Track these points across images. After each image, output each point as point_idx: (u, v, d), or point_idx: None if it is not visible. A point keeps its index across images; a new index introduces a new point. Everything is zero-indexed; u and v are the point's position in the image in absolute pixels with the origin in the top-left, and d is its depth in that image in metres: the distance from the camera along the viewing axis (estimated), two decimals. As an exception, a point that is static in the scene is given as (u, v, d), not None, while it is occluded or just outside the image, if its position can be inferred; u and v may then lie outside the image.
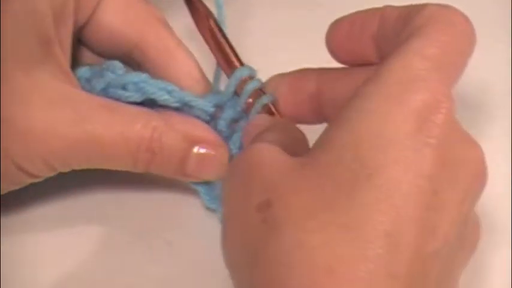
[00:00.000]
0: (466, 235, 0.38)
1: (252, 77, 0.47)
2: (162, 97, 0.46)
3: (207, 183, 0.47)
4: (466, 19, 0.41)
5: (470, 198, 0.38)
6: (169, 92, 0.46)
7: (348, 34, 0.44)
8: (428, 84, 0.37)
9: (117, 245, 0.49)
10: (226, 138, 0.47)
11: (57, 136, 0.43)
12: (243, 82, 0.47)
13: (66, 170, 0.45)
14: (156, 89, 0.46)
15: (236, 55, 0.48)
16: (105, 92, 0.46)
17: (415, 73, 0.37)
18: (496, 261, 0.47)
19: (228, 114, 0.47)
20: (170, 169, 0.46)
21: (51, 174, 0.45)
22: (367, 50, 0.43)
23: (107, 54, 0.49)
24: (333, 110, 0.44)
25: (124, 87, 0.46)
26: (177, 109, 0.47)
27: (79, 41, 0.49)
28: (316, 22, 0.51)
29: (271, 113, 0.47)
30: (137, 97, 0.46)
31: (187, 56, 0.49)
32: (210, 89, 0.48)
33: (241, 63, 0.48)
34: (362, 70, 0.43)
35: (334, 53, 0.45)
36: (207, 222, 0.49)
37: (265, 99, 0.47)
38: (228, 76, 0.48)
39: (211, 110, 0.47)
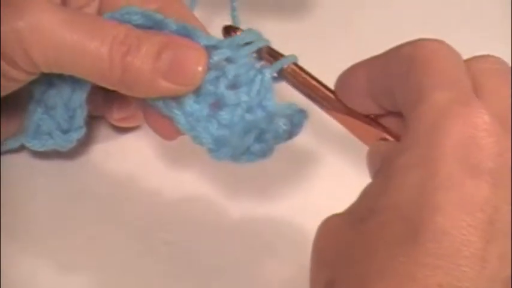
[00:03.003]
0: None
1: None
2: (160, 17, 0.46)
3: (183, 107, 0.45)
4: (434, 40, 0.39)
5: None
6: (167, 17, 0.46)
7: (348, 89, 0.43)
8: (458, 113, 0.35)
9: (116, 245, 0.49)
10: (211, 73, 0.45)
11: (29, 23, 0.43)
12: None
13: (44, 65, 0.44)
14: (154, 12, 0.46)
15: None
16: None
17: (440, 111, 0.36)
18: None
19: (224, 51, 0.45)
20: (145, 68, 0.44)
21: (32, 67, 0.44)
22: (365, 104, 0.42)
23: None
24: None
25: (126, 14, 0.46)
26: None
27: None
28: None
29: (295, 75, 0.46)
30: (136, 18, 0.46)
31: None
32: None
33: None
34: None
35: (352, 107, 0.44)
36: (207, 223, 0.50)
37: (285, 61, 0.46)
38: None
39: (205, 43, 0.45)
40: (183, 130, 0.46)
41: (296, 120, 0.44)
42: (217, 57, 0.45)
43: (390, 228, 0.35)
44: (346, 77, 0.44)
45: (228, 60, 0.45)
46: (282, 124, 0.44)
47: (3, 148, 0.50)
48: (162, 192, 0.50)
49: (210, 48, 0.45)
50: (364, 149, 0.43)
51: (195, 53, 0.45)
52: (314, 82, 0.46)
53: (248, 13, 0.49)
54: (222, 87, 0.45)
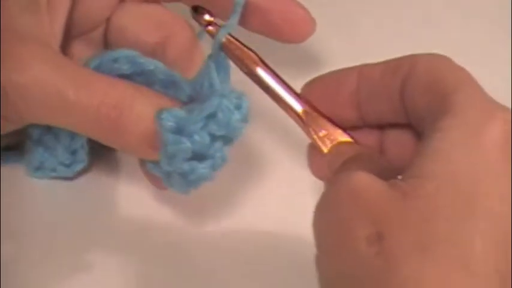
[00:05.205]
0: None
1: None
2: (150, 67, 0.46)
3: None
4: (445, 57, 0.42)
5: None
6: (156, 64, 0.47)
7: (325, 94, 0.44)
8: (500, 114, 0.38)
9: (116, 245, 0.49)
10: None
11: (18, 74, 0.42)
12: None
13: (31, 117, 0.44)
14: (145, 60, 0.46)
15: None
16: (98, 71, 0.46)
17: (483, 105, 0.39)
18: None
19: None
20: (135, 137, 0.44)
21: (19, 119, 0.44)
22: (344, 110, 0.44)
23: None
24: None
25: (115, 61, 0.46)
26: (161, 86, 0.47)
27: (105, 46, 0.50)
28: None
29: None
30: (126, 68, 0.46)
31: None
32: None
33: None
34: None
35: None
36: (207, 223, 0.49)
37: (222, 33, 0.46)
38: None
39: (189, 92, 0.46)
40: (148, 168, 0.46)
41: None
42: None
43: (443, 198, 0.36)
44: (329, 81, 0.44)
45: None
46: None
47: (3, 162, 0.50)
48: (162, 193, 0.50)
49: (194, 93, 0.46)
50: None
51: None
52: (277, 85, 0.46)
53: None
54: (180, 160, 0.44)
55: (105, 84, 0.44)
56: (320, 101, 0.45)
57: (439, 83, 0.40)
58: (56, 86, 0.42)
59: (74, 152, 0.49)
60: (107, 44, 0.50)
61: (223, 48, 0.46)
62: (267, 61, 0.46)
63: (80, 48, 0.49)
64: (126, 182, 0.51)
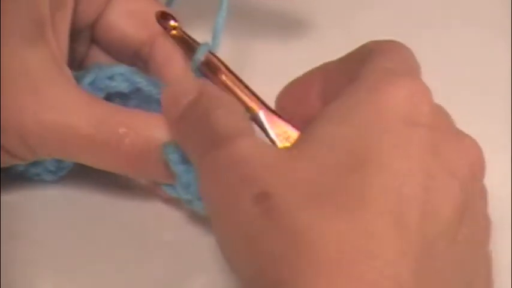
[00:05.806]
0: (475, 230, 0.38)
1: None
2: (148, 87, 0.46)
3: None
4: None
5: (471, 187, 0.38)
6: (154, 84, 0.47)
7: (296, 98, 0.45)
8: (406, 83, 0.38)
9: (116, 245, 0.49)
10: None
11: (35, 118, 0.42)
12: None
13: (46, 155, 0.45)
14: (142, 79, 0.46)
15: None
16: (92, 87, 0.46)
17: (389, 71, 0.39)
18: (496, 261, 0.47)
19: None
20: (156, 167, 0.45)
21: (32, 157, 0.45)
22: (316, 112, 0.43)
23: (118, 54, 0.50)
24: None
25: (111, 78, 0.46)
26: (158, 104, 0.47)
27: (92, 41, 0.50)
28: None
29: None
30: (124, 87, 0.46)
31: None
32: None
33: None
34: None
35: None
36: (206, 222, 0.50)
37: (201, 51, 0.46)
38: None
39: None
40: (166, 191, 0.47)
41: None
42: None
43: (335, 157, 0.36)
44: (302, 80, 0.45)
45: None
46: None
47: None
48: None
49: None
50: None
51: None
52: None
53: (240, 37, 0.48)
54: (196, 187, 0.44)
55: (122, 118, 0.44)
56: (293, 107, 0.45)
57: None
58: (71, 124, 0.43)
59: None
60: (93, 40, 0.50)
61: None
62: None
63: (70, 47, 0.48)
64: (126, 181, 0.51)
